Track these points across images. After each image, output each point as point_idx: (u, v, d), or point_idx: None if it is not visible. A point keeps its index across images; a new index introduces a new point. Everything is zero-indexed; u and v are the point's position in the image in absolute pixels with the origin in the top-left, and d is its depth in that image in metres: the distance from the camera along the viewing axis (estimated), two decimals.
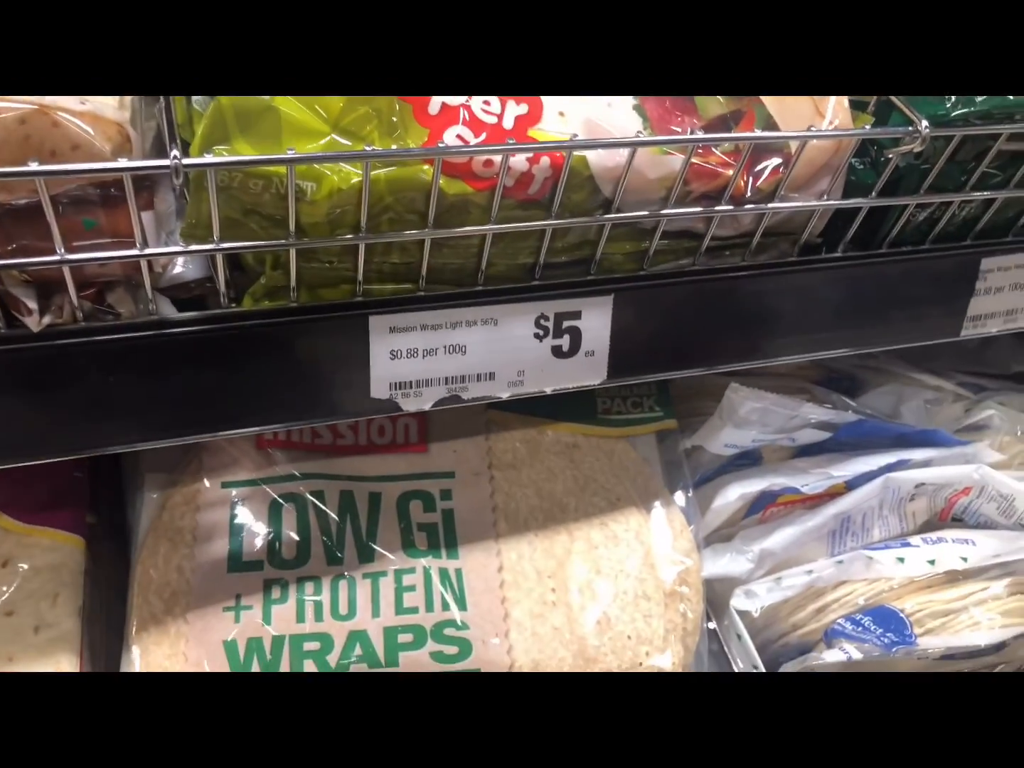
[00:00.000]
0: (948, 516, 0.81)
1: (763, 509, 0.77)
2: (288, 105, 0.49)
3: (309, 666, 0.64)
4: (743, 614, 0.72)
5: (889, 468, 0.76)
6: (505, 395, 0.62)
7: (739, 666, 0.73)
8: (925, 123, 0.58)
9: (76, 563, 0.67)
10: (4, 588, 0.64)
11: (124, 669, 0.65)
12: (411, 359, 0.58)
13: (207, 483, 0.71)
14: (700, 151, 0.56)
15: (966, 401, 0.86)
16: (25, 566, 0.66)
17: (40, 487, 0.70)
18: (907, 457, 0.77)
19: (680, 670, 0.68)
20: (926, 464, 0.77)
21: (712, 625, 0.76)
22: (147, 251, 0.49)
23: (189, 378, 0.54)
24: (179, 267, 0.57)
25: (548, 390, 0.63)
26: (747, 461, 0.79)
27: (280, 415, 0.58)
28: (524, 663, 0.65)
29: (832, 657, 0.67)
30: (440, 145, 0.50)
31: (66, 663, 0.62)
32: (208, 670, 0.63)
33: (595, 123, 0.55)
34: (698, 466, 0.79)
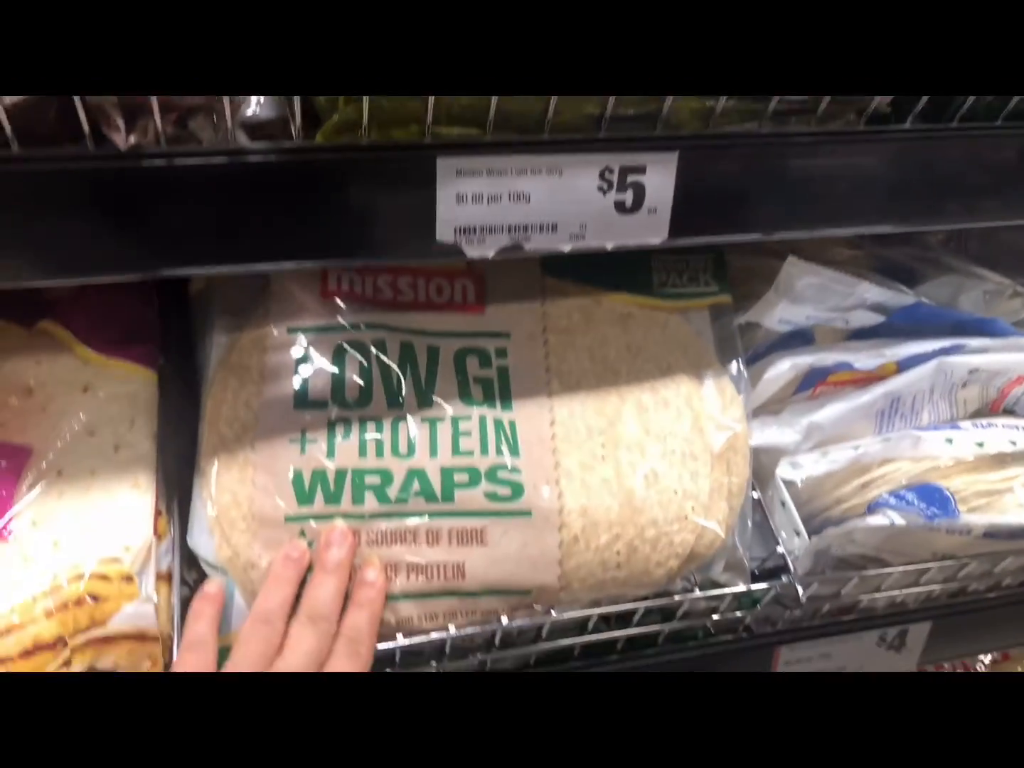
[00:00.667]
0: (1000, 407, 0.81)
1: (814, 386, 0.78)
2: None
3: (369, 498, 0.67)
4: (788, 484, 0.74)
5: (944, 352, 0.76)
6: (567, 248, 0.63)
7: (783, 536, 0.75)
8: None
9: (150, 393, 0.72)
10: (86, 411, 0.69)
11: (196, 493, 0.69)
12: (476, 204, 0.60)
13: (274, 328, 0.74)
14: None
15: None
16: (103, 393, 0.70)
17: (117, 324, 0.74)
18: (963, 343, 0.77)
19: (725, 529, 0.71)
20: (982, 351, 0.77)
21: (757, 495, 0.78)
22: None
23: (261, 207, 0.57)
24: (252, 107, 0.59)
25: (609, 246, 0.64)
26: (799, 342, 0.80)
27: (346, 251, 0.60)
28: (573, 507, 0.68)
29: (875, 522, 0.68)
30: None
31: (143, 480, 0.67)
32: (276, 498, 0.67)
33: None
34: (751, 344, 0.80)
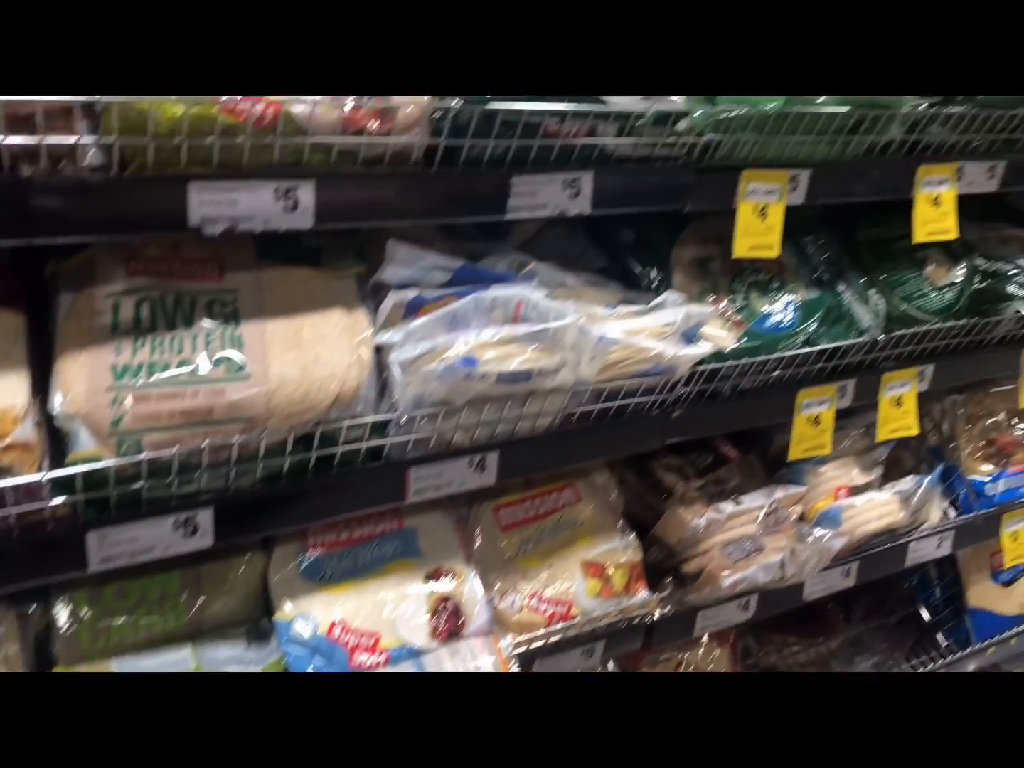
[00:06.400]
0: (519, 320, 1.48)
1: (415, 313, 1.41)
2: None
3: (156, 378, 1.22)
4: (395, 362, 1.36)
5: (476, 290, 1.42)
6: (259, 229, 1.22)
7: (392, 397, 1.36)
8: None
9: (22, 327, 1.23)
10: None
11: (52, 380, 1.21)
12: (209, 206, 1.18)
13: (98, 292, 1.27)
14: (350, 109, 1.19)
15: None
16: None
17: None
18: (488, 286, 1.43)
19: (357, 385, 1.31)
20: (496, 289, 1.43)
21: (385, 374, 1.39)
22: None
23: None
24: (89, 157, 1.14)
25: (282, 228, 1.23)
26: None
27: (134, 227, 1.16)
28: (274, 375, 1.27)
29: (430, 371, 1.31)
30: None
31: (23, 373, 1.18)
32: (98, 380, 1.20)
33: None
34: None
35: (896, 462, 2.28)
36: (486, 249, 1.60)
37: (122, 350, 1.24)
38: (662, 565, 1.87)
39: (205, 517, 1.33)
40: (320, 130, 1.19)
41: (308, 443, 1.33)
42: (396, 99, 1.22)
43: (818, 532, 1.89)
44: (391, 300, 1.38)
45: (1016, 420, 2.30)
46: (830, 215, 1.98)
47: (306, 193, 1.23)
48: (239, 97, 1.13)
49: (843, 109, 1.56)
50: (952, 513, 2.29)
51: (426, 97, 1.26)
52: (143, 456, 1.21)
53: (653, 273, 1.72)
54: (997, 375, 2.23)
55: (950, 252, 1.98)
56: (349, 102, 1.18)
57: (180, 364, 1.25)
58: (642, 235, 1.75)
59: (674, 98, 1.45)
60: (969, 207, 1.97)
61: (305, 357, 1.30)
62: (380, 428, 1.38)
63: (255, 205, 1.20)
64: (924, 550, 2.20)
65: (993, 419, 2.28)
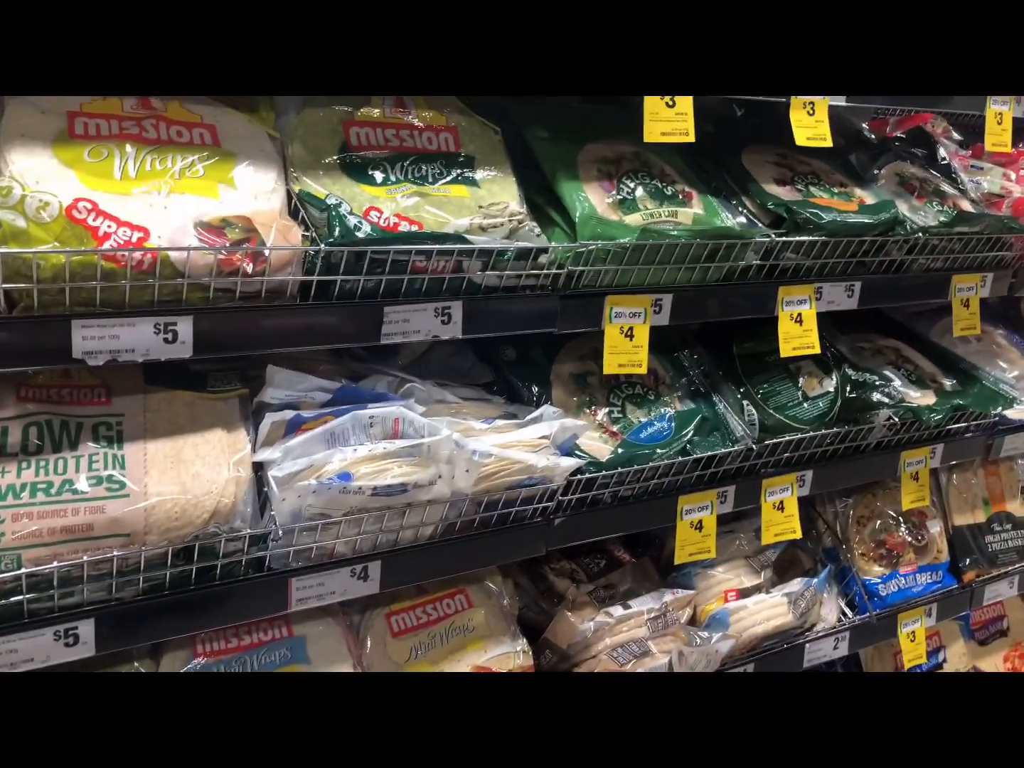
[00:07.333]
0: (399, 435, 1.58)
1: (294, 431, 1.51)
2: None
3: (25, 495, 1.31)
4: (274, 478, 1.45)
5: (353, 409, 1.53)
6: (140, 360, 1.33)
7: (271, 511, 1.45)
8: None
9: None
10: None
11: None
12: (91, 340, 1.29)
13: None
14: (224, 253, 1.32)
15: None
16: None
17: None
18: (365, 405, 1.54)
19: (234, 501, 1.40)
20: (373, 407, 1.54)
21: (266, 490, 1.48)
22: None
23: None
24: None
25: (163, 358, 1.34)
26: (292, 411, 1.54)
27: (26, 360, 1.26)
28: (152, 491, 1.35)
29: (302, 483, 1.41)
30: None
31: None
32: None
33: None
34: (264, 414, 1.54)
35: (794, 562, 2.38)
36: (368, 369, 1.72)
37: (7, 472, 1.32)
38: (556, 669, 1.93)
39: (86, 628, 1.39)
40: (196, 273, 1.32)
41: (189, 556, 1.41)
42: (269, 245, 1.36)
43: (705, 634, 1.97)
44: (269, 420, 1.49)
45: (903, 521, 2.42)
46: (707, 329, 2.13)
47: (184, 327, 1.34)
48: (118, 245, 1.25)
49: (695, 241, 1.72)
50: (850, 614, 2.37)
51: (299, 239, 1.40)
52: (22, 571, 1.28)
53: (534, 388, 1.84)
54: (878, 478, 2.36)
55: (823, 363, 2.13)
56: (224, 247, 1.31)
57: (63, 483, 1.33)
58: (523, 352, 1.88)
59: (535, 232, 1.61)
60: (845, 316, 2.14)
61: (184, 475, 1.39)
62: (260, 540, 1.46)
63: (135, 339, 1.31)
64: (822, 651, 2.27)
65: (881, 520, 2.39)
